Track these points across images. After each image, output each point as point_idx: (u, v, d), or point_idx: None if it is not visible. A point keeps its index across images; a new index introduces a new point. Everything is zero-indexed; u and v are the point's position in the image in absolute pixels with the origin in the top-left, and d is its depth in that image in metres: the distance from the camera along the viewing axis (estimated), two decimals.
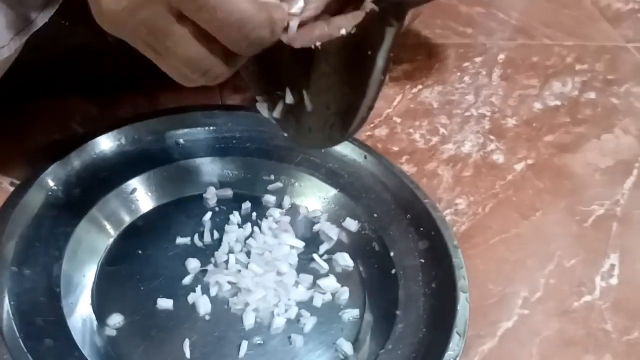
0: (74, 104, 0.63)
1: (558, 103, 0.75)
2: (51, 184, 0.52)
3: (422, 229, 0.54)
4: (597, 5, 0.93)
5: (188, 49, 0.36)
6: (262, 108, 0.44)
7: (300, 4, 0.39)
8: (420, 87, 0.74)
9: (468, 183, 0.64)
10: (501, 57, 0.80)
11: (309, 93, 0.40)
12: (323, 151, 0.59)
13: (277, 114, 0.43)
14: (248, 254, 0.53)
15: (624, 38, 0.87)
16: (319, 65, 0.39)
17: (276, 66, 0.42)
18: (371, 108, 0.38)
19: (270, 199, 0.58)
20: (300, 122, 0.42)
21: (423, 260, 0.53)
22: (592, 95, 0.77)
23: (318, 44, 0.38)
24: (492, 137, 0.69)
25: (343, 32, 0.37)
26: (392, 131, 0.68)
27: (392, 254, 0.53)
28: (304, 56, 0.39)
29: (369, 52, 0.36)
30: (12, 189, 0.53)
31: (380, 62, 0.36)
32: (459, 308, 0.48)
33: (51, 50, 0.55)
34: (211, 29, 0.35)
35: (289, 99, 0.42)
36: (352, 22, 0.38)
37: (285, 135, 0.44)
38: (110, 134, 0.56)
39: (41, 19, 0.43)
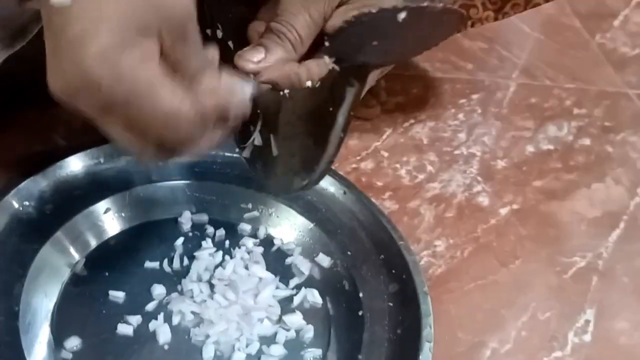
0: (58, 115, 0.63)
1: (551, 147, 0.74)
2: (23, 199, 0.52)
3: (393, 271, 0.54)
4: (603, 48, 0.92)
5: (121, 139, 0.37)
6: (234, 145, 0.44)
7: (260, 56, 0.39)
8: (412, 121, 0.73)
9: (449, 224, 0.63)
10: (498, 95, 0.80)
11: (276, 138, 0.40)
12: None
13: (246, 153, 0.43)
14: (214, 284, 0.52)
15: (627, 84, 0.86)
16: (286, 112, 0.39)
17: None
18: (331, 162, 0.39)
19: (245, 227, 0.57)
20: (267, 165, 0.42)
21: (391, 304, 0.52)
22: (587, 141, 0.76)
23: (286, 91, 0.38)
24: (479, 178, 0.68)
25: (309, 84, 0.37)
26: (378, 165, 0.67)
27: (361, 295, 0.53)
28: (275, 100, 0.39)
29: (331, 109, 0.36)
30: None
31: (340, 119, 0.36)
32: (420, 357, 0.47)
33: (35, 61, 0.55)
34: (138, 126, 0.36)
35: (257, 140, 0.42)
36: (322, 68, 0.38)
37: (252, 174, 0.44)
38: (88, 151, 0.56)
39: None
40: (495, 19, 0.65)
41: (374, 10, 0.32)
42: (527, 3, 0.63)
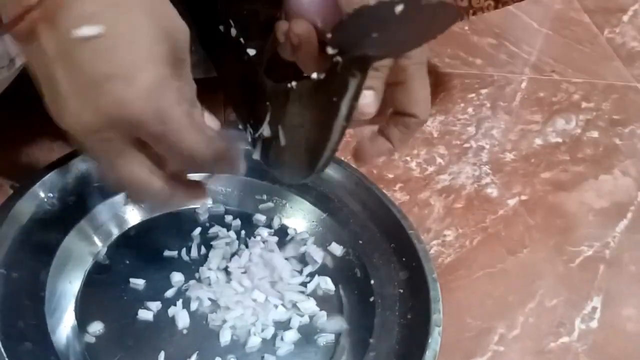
0: None
1: (559, 140, 0.76)
2: (47, 190, 0.54)
3: (404, 259, 0.55)
4: (612, 43, 0.93)
5: (134, 170, 0.38)
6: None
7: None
8: None
9: (458, 215, 0.64)
10: (507, 90, 0.81)
11: (283, 128, 0.42)
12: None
13: (257, 146, 0.45)
14: (231, 271, 0.54)
15: (635, 78, 0.87)
16: (293, 103, 0.41)
17: (258, 98, 0.44)
18: (334, 150, 0.40)
19: (260, 217, 0.59)
20: (276, 155, 0.44)
21: (402, 290, 0.54)
22: (595, 134, 0.77)
23: (293, 83, 0.40)
24: (488, 170, 0.70)
25: (314, 76, 0.39)
26: (388, 158, 0.69)
27: (372, 282, 0.55)
28: (282, 91, 0.41)
29: (334, 99, 0.37)
30: (12, 191, 0.55)
31: (343, 109, 0.38)
32: (430, 341, 0.49)
33: None
34: (165, 155, 0.38)
35: (267, 131, 0.43)
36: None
37: (264, 165, 0.46)
38: None
39: None
40: (496, 7, 0.67)
41: (372, 3, 0.34)
42: None
